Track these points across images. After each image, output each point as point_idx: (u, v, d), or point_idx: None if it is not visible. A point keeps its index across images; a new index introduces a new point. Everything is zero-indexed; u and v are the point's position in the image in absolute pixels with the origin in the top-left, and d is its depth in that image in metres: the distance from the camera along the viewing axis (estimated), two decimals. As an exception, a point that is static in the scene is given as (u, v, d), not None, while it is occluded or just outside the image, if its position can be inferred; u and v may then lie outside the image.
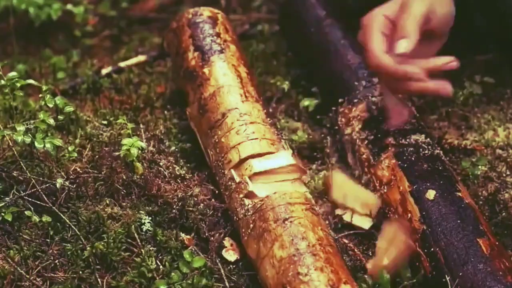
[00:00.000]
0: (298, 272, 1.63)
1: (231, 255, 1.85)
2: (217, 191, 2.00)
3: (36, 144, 1.85)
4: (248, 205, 1.81)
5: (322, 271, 1.62)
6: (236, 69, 2.09)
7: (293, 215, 1.74)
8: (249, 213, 1.80)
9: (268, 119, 1.99)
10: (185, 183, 1.99)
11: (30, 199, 1.87)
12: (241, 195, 1.84)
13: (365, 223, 1.93)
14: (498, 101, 2.28)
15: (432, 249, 1.78)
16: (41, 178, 1.88)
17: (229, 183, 1.89)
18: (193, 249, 1.83)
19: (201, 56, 2.13)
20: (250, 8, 2.73)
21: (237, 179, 1.86)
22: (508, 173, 2.06)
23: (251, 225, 1.78)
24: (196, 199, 1.94)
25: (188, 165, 2.08)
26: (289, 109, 2.28)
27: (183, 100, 2.23)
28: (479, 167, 2.04)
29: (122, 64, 2.45)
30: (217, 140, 1.96)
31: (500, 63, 2.36)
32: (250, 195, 1.82)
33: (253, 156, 1.88)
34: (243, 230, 1.81)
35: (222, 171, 1.92)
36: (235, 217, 1.86)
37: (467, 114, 2.25)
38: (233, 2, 2.69)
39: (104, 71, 2.41)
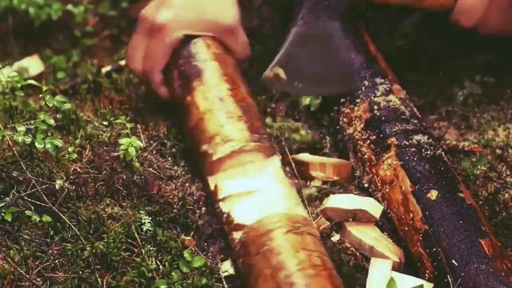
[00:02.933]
0: None
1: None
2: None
3: (36, 144, 1.85)
4: (236, 239, 1.77)
5: None
6: (216, 89, 2.01)
7: (273, 244, 1.68)
8: (237, 248, 1.76)
9: (254, 135, 1.92)
10: (186, 183, 1.99)
11: (30, 200, 1.86)
12: (230, 229, 1.80)
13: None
14: (498, 101, 2.28)
15: (434, 249, 1.78)
16: (40, 179, 1.88)
17: (221, 215, 1.86)
18: (193, 249, 1.83)
19: (183, 84, 2.06)
20: (250, 8, 2.72)
21: (225, 211, 1.83)
22: (508, 173, 2.06)
23: (241, 260, 1.75)
24: (196, 198, 1.94)
25: (188, 164, 2.08)
26: (289, 109, 2.27)
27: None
28: (479, 167, 2.04)
29: (123, 62, 2.44)
30: (206, 173, 1.92)
31: (500, 63, 2.36)
32: (238, 227, 1.78)
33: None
34: (238, 264, 1.78)
35: (217, 204, 1.88)
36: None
37: (467, 114, 2.25)
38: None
39: (104, 70, 2.41)
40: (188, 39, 2.12)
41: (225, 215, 1.83)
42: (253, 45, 2.46)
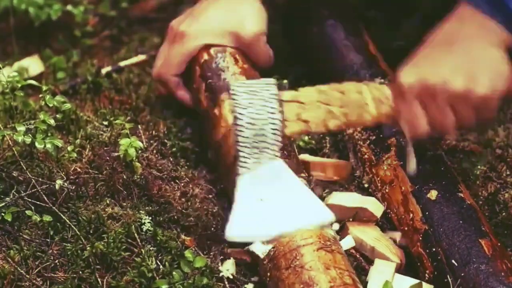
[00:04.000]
0: None
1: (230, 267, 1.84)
2: (217, 192, 2.00)
3: (36, 144, 1.85)
4: (264, 252, 1.76)
5: None
6: None
7: (304, 260, 1.68)
8: (265, 261, 1.75)
9: (283, 152, 1.88)
10: (186, 182, 1.99)
11: (30, 200, 1.86)
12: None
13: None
14: (498, 101, 2.28)
15: (434, 249, 1.78)
16: (40, 179, 1.88)
17: None
18: (194, 249, 1.83)
19: (211, 97, 2.06)
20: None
21: None
22: (508, 173, 2.06)
23: (268, 274, 1.74)
24: (197, 199, 1.94)
25: (188, 163, 2.08)
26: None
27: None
28: (479, 167, 2.04)
29: (122, 64, 2.44)
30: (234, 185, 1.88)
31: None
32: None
33: None
34: (264, 278, 1.77)
35: None
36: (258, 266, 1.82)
37: (467, 114, 2.25)
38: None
39: (104, 70, 2.41)
40: (217, 52, 2.13)
41: None
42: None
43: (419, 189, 1.88)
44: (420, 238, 1.82)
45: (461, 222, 1.80)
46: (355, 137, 2.07)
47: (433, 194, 1.86)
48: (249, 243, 1.79)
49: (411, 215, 1.86)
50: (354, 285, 1.66)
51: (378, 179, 1.97)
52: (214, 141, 2.00)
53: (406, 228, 1.87)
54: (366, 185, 2.03)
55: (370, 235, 1.87)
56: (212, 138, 2.01)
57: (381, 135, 2.02)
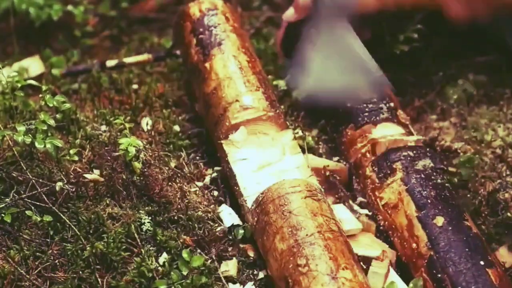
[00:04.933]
0: (298, 263, 1.63)
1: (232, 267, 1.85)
2: (217, 191, 2.00)
3: (36, 144, 1.85)
4: (252, 199, 1.83)
5: (320, 260, 1.62)
6: (236, 59, 2.10)
7: (292, 206, 1.74)
8: (253, 206, 1.82)
9: (272, 108, 2.01)
10: (186, 182, 1.99)
11: (30, 200, 1.86)
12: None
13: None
14: (498, 101, 2.28)
15: (439, 276, 1.75)
16: (40, 180, 1.88)
17: (233, 177, 1.92)
18: (192, 249, 1.83)
19: (202, 51, 2.14)
20: (250, 8, 2.73)
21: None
22: (508, 173, 2.06)
23: (256, 219, 1.80)
24: (196, 197, 1.94)
25: (189, 163, 2.08)
26: (289, 111, 2.26)
27: (181, 99, 2.23)
28: (470, 166, 2.03)
29: (128, 60, 2.44)
30: (221, 137, 1.98)
31: (500, 64, 2.36)
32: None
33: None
34: (250, 223, 1.84)
35: (229, 165, 1.94)
36: (242, 210, 1.88)
37: (467, 114, 2.25)
38: (233, 2, 2.69)
39: (109, 63, 2.41)
40: (208, 9, 2.22)
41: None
42: (253, 45, 2.47)
43: (425, 214, 1.83)
44: (425, 264, 1.78)
45: (467, 250, 1.76)
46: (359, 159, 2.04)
47: (439, 221, 1.82)
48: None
49: (415, 240, 1.82)
50: (340, 232, 1.72)
51: (382, 202, 1.94)
52: (204, 94, 2.07)
53: (409, 253, 1.83)
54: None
55: (361, 243, 1.86)
56: (202, 91, 2.09)
57: (386, 160, 1.97)
